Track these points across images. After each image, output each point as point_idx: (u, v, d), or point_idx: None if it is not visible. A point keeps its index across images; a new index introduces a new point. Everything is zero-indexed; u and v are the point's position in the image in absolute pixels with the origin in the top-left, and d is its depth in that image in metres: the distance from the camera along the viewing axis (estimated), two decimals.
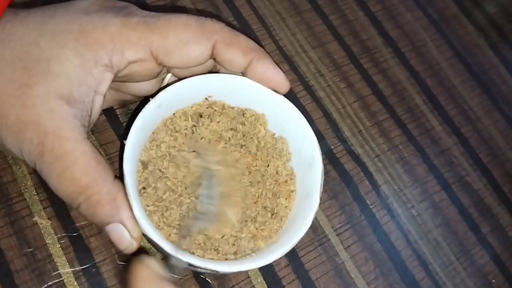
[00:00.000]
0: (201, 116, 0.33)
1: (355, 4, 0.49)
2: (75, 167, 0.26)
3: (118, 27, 0.28)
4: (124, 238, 0.27)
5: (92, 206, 0.27)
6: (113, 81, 0.29)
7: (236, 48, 0.30)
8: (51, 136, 0.26)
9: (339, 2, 0.48)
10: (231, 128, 0.33)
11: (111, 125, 0.36)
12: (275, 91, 0.32)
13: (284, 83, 0.31)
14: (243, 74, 0.32)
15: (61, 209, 0.32)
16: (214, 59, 0.31)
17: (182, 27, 0.29)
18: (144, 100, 0.35)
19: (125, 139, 0.28)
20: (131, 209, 0.27)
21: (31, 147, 0.26)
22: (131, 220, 0.27)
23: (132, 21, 0.29)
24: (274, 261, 0.35)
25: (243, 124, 0.33)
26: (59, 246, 0.31)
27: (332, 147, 0.41)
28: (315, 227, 0.37)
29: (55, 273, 0.31)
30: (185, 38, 0.29)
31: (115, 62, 0.28)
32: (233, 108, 0.33)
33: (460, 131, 0.45)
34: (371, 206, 0.39)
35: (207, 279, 0.33)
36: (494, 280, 0.39)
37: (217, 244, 0.29)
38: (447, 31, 0.50)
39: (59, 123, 0.26)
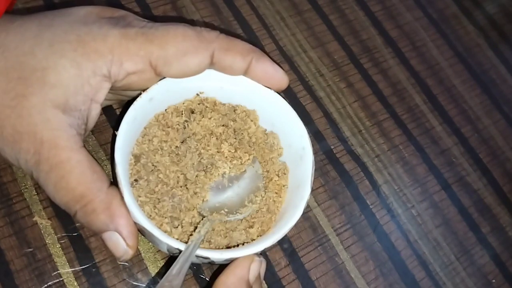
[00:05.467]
0: (192, 112, 0.33)
1: (355, 4, 0.49)
2: (70, 176, 0.26)
3: (117, 38, 0.28)
4: (120, 246, 0.27)
5: (87, 215, 0.27)
6: (111, 90, 0.29)
7: (234, 52, 0.30)
8: (47, 145, 0.26)
9: (339, 2, 0.48)
10: (223, 125, 0.33)
11: (111, 125, 0.36)
12: (271, 88, 0.32)
13: (284, 79, 0.32)
14: (244, 76, 0.32)
15: (61, 209, 0.32)
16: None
17: (180, 37, 0.29)
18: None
19: (117, 130, 0.29)
20: (126, 217, 0.27)
21: (28, 156, 0.26)
22: (126, 228, 0.27)
23: (131, 32, 0.28)
24: (274, 261, 0.35)
25: (234, 120, 0.33)
26: (59, 246, 0.31)
27: (332, 147, 0.41)
28: (315, 227, 0.37)
29: (55, 273, 0.31)
30: (184, 48, 0.29)
31: (114, 72, 0.28)
32: (224, 104, 0.34)
33: (460, 131, 0.45)
34: (371, 206, 0.39)
35: (206, 278, 0.33)
36: (494, 280, 0.39)
37: (209, 236, 0.30)
38: (447, 31, 0.50)
39: (55, 132, 0.26)
